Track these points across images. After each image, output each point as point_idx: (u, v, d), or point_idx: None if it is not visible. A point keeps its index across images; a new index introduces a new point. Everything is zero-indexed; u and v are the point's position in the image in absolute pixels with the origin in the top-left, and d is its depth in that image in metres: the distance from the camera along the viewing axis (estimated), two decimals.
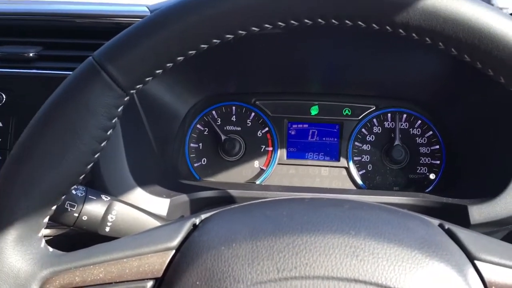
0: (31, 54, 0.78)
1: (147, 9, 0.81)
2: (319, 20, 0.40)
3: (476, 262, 0.39)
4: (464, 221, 0.75)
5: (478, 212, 0.74)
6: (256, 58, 0.89)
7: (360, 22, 0.40)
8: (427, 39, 0.39)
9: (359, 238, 0.39)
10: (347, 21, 0.40)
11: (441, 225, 0.45)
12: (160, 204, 0.74)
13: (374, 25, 0.40)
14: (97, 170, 0.72)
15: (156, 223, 0.69)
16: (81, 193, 0.62)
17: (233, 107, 0.98)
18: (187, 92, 0.94)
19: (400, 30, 0.39)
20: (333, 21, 0.40)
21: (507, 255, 0.40)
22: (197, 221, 0.46)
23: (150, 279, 0.40)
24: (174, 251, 0.42)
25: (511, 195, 0.74)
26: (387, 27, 0.40)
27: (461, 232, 0.43)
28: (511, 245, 0.42)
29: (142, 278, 0.40)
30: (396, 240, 0.39)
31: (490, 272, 0.38)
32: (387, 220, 0.43)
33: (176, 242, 0.42)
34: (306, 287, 0.36)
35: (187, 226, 0.45)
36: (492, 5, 0.50)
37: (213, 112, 0.98)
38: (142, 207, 0.72)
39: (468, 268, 0.38)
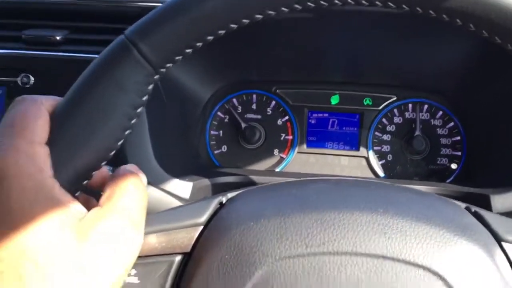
0: (58, 38, 0.79)
1: None
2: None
3: (503, 243, 0.39)
4: (487, 210, 0.74)
5: (501, 202, 0.74)
6: (277, 46, 0.90)
7: (390, 3, 0.40)
8: (457, 20, 0.39)
9: (387, 216, 0.39)
10: (377, 2, 0.40)
11: (467, 208, 0.45)
12: (183, 187, 0.75)
13: (404, 6, 0.39)
14: (123, 153, 0.73)
15: (180, 204, 0.69)
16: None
17: (254, 95, 0.98)
18: (208, 79, 0.95)
19: (444, 16, 0.39)
20: (363, 1, 0.40)
21: None
22: (224, 199, 0.47)
23: (179, 253, 0.41)
24: (202, 227, 0.42)
25: None
26: (418, 9, 0.39)
27: (488, 215, 0.43)
28: None
29: (171, 253, 0.41)
30: (424, 219, 0.39)
31: None
32: (415, 200, 0.43)
33: (204, 218, 0.43)
34: (334, 262, 0.36)
35: (214, 204, 0.45)
36: None
37: (234, 100, 0.98)
38: (166, 188, 0.73)
39: (496, 249, 0.39)
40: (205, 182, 0.81)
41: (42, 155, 0.35)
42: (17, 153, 0.34)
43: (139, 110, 0.41)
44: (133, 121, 0.41)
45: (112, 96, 0.39)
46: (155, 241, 0.41)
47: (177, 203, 0.70)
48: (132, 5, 0.81)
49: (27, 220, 0.32)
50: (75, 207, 0.35)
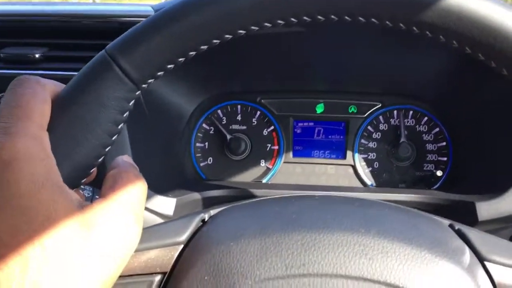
0: (37, 55, 0.78)
1: (151, 9, 0.81)
2: (333, 16, 0.40)
3: (486, 263, 0.39)
4: (472, 218, 0.74)
5: (486, 209, 0.74)
6: (261, 56, 0.89)
7: (373, 19, 0.40)
8: (441, 37, 0.39)
9: (368, 236, 0.39)
10: (360, 18, 0.40)
11: (451, 226, 0.45)
12: (167, 203, 0.74)
13: (388, 23, 0.40)
14: (103, 170, 0.72)
15: (162, 221, 0.69)
16: (88, 193, 0.62)
17: (238, 106, 0.98)
18: (192, 91, 0.94)
19: (414, 28, 0.39)
20: (346, 18, 0.40)
21: None
22: (206, 216, 0.46)
23: (158, 273, 0.40)
24: (182, 245, 0.42)
25: None
26: (401, 25, 0.40)
27: (471, 233, 0.42)
28: None
29: (150, 272, 0.40)
30: (406, 239, 0.39)
31: (499, 273, 0.38)
32: (397, 219, 0.43)
33: (184, 237, 0.43)
34: (314, 284, 0.36)
35: (195, 221, 0.45)
36: None
37: (219, 111, 0.98)
38: (148, 206, 0.72)
39: (478, 269, 0.38)
40: (190, 197, 0.80)
41: (48, 141, 0.36)
42: (27, 137, 0.34)
43: (120, 126, 0.41)
44: (114, 138, 0.41)
45: (92, 112, 0.39)
46: (134, 260, 0.41)
47: (159, 220, 0.69)
48: (112, 21, 0.81)
49: (35, 206, 0.32)
50: (79, 199, 0.35)
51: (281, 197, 0.51)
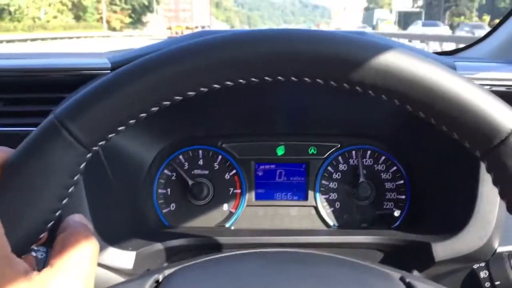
0: None
1: (107, 61, 0.82)
2: (279, 77, 0.42)
3: None
4: (429, 258, 0.76)
5: (442, 249, 0.75)
6: (220, 101, 0.90)
7: (319, 80, 0.42)
8: (383, 96, 0.41)
9: None
10: (306, 79, 0.42)
11: (402, 278, 0.46)
12: (126, 258, 0.73)
13: (332, 82, 0.42)
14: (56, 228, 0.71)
15: (120, 279, 0.68)
16: (41, 255, 0.61)
17: (200, 151, 0.98)
18: (152, 139, 0.94)
19: (357, 88, 0.41)
20: (293, 78, 0.42)
21: None
22: (160, 277, 0.46)
23: None
24: None
25: (472, 231, 0.75)
26: (345, 85, 0.42)
27: (421, 286, 0.44)
28: None
29: None
30: None
31: None
32: (348, 277, 0.44)
33: None
34: None
35: (149, 284, 0.45)
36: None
37: (180, 157, 0.98)
38: (106, 262, 0.71)
39: None
40: (151, 248, 0.79)
41: None
42: None
43: (70, 189, 0.40)
44: (64, 201, 0.40)
45: (41, 178, 0.39)
46: None
47: (116, 278, 0.69)
48: (67, 74, 0.81)
49: None
50: (26, 268, 0.35)
51: (233, 255, 0.51)
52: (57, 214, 0.40)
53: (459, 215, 0.78)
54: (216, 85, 0.42)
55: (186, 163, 0.98)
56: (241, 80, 0.42)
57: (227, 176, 0.98)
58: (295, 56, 0.41)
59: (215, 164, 0.98)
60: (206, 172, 0.97)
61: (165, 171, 0.97)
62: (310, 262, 0.47)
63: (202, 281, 0.44)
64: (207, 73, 0.41)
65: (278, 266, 0.46)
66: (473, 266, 0.62)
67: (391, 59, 0.40)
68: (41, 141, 0.39)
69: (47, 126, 0.40)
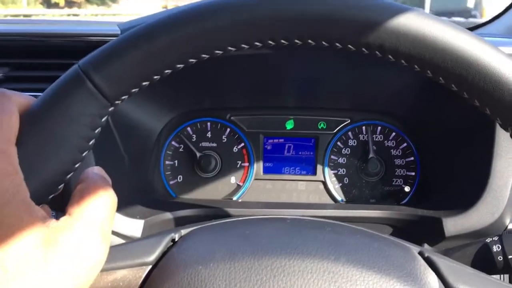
0: None
1: (117, 28, 0.80)
2: (296, 41, 0.40)
3: None
4: (439, 233, 0.75)
5: (453, 224, 0.75)
6: (230, 73, 0.89)
7: (337, 44, 0.40)
8: (402, 61, 0.40)
9: (338, 264, 0.39)
10: (323, 43, 0.40)
11: (420, 253, 0.45)
12: (134, 226, 0.73)
13: (350, 46, 0.40)
14: (68, 193, 0.70)
15: None
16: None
17: (208, 123, 0.97)
18: (160, 110, 0.93)
19: (377, 52, 0.40)
20: (310, 41, 0.40)
21: (484, 287, 0.40)
22: (176, 236, 0.46)
23: None
24: (150, 266, 0.41)
25: (484, 206, 0.74)
26: (363, 49, 0.40)
27: (440, 261, 0.43)
28: (488, 277, 0.43)
29: None
30: (375, 267, 0.39)
31: None
32: (367, 246, 0.43)
33: (153, 257, 0.42)
34: None
35: (165, 241, 0.45)
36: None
37: (188, 128, 0.97)
38: (116, 229, 0.71)
39: None
40: (159, 217, 0.79)
41: (16, 156, 0.35)
42: None
43: (91, 142, 0.40)
44: (84, 154, 0.39)
45: (63, 128, 0.38)
46: (100, 280, 0.40)
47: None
48: (77, 40, 0.79)
49: None
50: (44, 215, 0.34)
51: (252, 219, 0.50)
52: (76, 166, 0.39)
53: (471, 190, 0.78)
54: (244, 45, 0.40)
55: (194, 135, 0.97)
56: (258, 43, 0.41)
57: (235, 149, 0.97)
58: (313, 18, 0.39)
59: (223, 137, 0.97)
60: (214, 144, 0.97)
61: (173, 142, 0.96)
62: (330, 230, 0.46)
63: (218, 242, 0.43)
64: (240, 31, 0.40)
65: (298, 233, 0.45)
66: (486, 240, 0.61)
67: (418, 23, 0.38)
68: (65, 91, 0.38)
69: (71, 76, 0.39)
